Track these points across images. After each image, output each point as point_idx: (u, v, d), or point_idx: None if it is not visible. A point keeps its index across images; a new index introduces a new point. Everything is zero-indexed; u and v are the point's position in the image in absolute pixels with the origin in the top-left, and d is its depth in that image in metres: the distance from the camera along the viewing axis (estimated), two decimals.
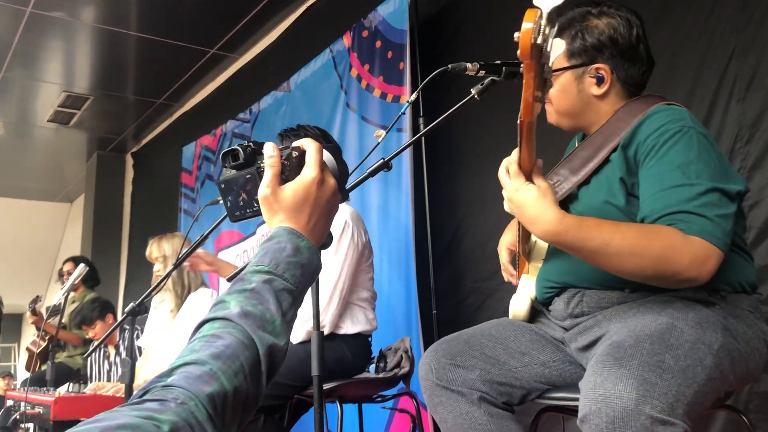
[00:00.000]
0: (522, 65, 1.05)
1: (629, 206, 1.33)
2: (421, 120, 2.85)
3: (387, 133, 1.39)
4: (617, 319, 1.32)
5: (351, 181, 1.60)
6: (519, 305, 1.52)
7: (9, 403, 3.31)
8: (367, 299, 2.35)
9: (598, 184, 1.40)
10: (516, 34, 0.97)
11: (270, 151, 0.90)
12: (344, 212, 2.31)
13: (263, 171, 0.91)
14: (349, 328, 2.27)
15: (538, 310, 1.53)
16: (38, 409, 2.75)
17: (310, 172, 0.89)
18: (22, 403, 2.94)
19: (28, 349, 5.11)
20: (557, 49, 1.41)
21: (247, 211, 0.98)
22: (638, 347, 1.11)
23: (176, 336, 3.06)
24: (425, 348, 2.70)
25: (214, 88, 5.14)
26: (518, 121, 1.14)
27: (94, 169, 6.84)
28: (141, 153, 6.49)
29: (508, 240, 1.65)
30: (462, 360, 1.41)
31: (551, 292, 1.46)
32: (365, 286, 2.36)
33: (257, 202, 0.93)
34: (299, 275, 0.84)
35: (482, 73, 1.33)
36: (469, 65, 1.31)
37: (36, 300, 4.50)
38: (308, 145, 0.91)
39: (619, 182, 1.34)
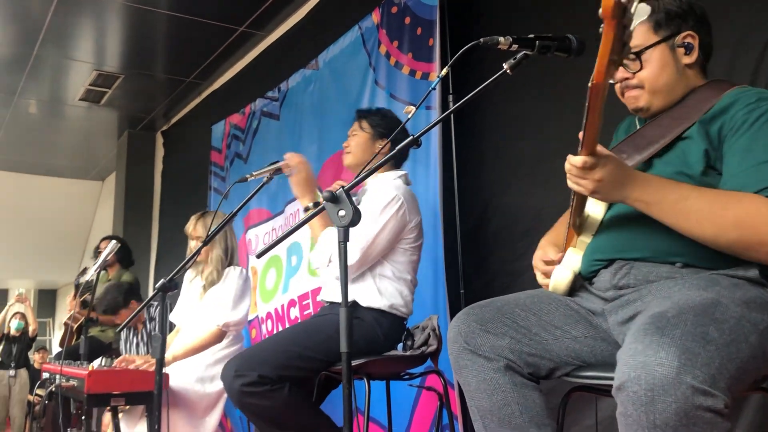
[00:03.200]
0: (602, 26, 0.99)
1: (706, 177, 1.31)
2: (450, 97, 2.83)
3: (417, 109, 1.38)
4: (661, 295, 1.30)
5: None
6: (561, 277, 1.49)
7: (45, 375, 3.39)
8: (407, 281, 2.36)
9: (670, 159, 1.38)
10: None
11: None
12: (399, 187, 2.33)
13: None
14: (377, 301, 2.27)
15: (577, 285, 1.51)
16: (73, 382, 2.81)
17: None
18: (57, 376, 3.01)
19: (65, 323, 5.23)
20: (641, 13, 1.39)
21: None
22: (681, 317, 1.08)
23: (203, 312, 3.11)
24: None
25: (243, 66, 5.15)
26: (589, 84, 1.08)
27: (125, 147, 6.92)
28: (171, 131, 6.54)
29: (540, 254, 1.60)
30: (492, 327, 1.40)
31: (599, 265, 1.44)
32: (406, 267, 2.36)
33: None
34: None
35: (515, 47, 1.31)
36: (501, 39, 1.29)
37: (83, 272, 4.59)
38: None
39: (703, 153, 1.32)
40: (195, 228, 3.21)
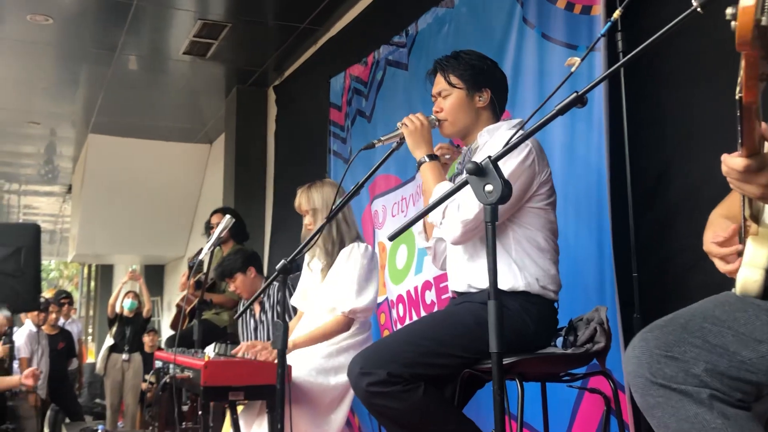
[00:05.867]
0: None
1: None
2: (619, 36, 2.71)
3: (581, 62, 1.34)
4: None
5: (534, 119, 1.57)
6: (749, 278, 1.42)
7: (158, 364, 3.66)
8: (548, 250, 2.32)
9: None
10: (729, 11, 0.89)
11: None
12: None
13: None
14: (518, 280, 2.25)
15: None
16: (188, 373, 3.02)
17: None
18: (171, 366, 3.24)
19: (178, 305, 5.61)
20: None
21: None
22: None
23: (325, 295, 3.22)
24: (623, 319, 2.64)
25: (365, 6, 5.19)
26: (737, 97, 1.06)
27: (234, 106, 7.23)
28: (284, 87, 6.74)
29: (710, 236, 1.52)
30: (680, 351, 1.35)
31: None
32: (544, 231, 2.32)
33: None
34: None
35: None
36: None
37: (199, 255, 4.89)
38: None
39: None
40: (300, 203, 3.32)
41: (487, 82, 2.45)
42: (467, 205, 2.18)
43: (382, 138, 2.52)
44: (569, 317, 2.34)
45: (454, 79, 2.43)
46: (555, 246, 2.36)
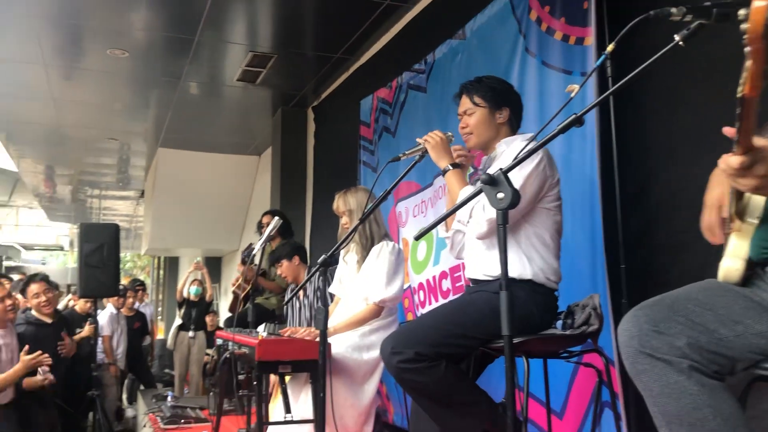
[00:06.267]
0: (747, 39, 0.95)
1: None
2: (608, 63, 2.69)
3: (581, 87, 1.34)
4: None
5: (540, 135, 1.57)
6: (731, 267, 1.40)
7: (218, 341, 3.69)
8: (553, 247, 2.31)
9: None
10: (742, 12, 0.88)
11: None
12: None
13: None
14: (526, 270, 2.24)
15: (752, 273, 1.41)
16: (244, 350, 3.04)
17: None
18: (230, 343, 3.27)
19: (234, 292, 5.66)
20: None
21: None
22: None
23: (359, 286, 3.24)
24: (613, 304, 2.62)
25: (389, 39, 5.19)
26: (739, 95, 1.03)
27: (279, 123, 7.25)
28: (321, 107, 6.76)
29: (716, 195, 1.52)
30: (666, 326, 1.33)
31: None
32: (550, 230, 2.30)
33: None
34: None
35: (689, 17, 1.23)
36: (674, 10, 1.22)
37: (250, 249, 4.94)
38: None
39: None
40: (338, 206, 3.34)
41: (506, 102, 2.44)
42: (491, 207, 2.19)
43: (406, 152, 2.53)
44: (567, 303, 2.32)
45: (477, 99, 2.42)
46: (558, 244, 2.35)
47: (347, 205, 3.30)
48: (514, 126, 2.47)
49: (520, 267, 2.25)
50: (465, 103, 2.46)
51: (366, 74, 5.58)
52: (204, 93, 7.04)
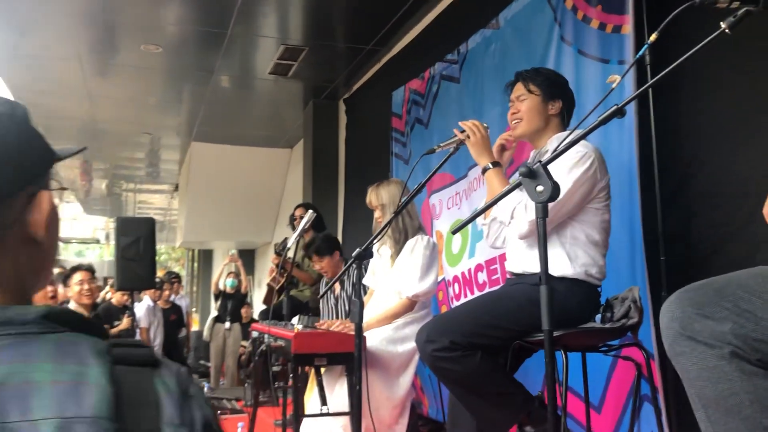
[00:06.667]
0: None
1: None
2: (646, 51, 2.63)
3: (622, 78, 1.31)
4: None
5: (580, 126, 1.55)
6: None
7: (254, 334, 3.73)
8: (599, 245, 2.28)
9: None
10: None
11: None
12: (587, 144, 2.24)
13: None
14: (568, 269, 2.22)
15: None
16: (280, 342, 3.07)
17: None
18: (266, 336, 3.30)
19: (268, 284, 5.71)
20: None
21: None
22: None
23: (393, 280, 3.24)
24: (653, 297, 2.58)
25: (421, 29, 5.16)
26: None
27: (310, 116, 7.28)
28: (352, 99, 6.76)
29: None
30: (711, 311, 1.31)
31: None
32: (598, 228, 2.27)
33: None
34: None
35: (735, 3, 1.20)
36: None
37: (284, 243, 4.98)
38: None
39: None
40: (371, 200, 3.33)
41: (560, 94, 2.41)
42: (533, 207, 2.17)
43: (441, 144, 2.50)
44: (606, 296, 2.29)
45: (532, 87, 2.40)
46: (606, 242, 2.32)
47: (380, 199, 3.30)
48: (564, 120, 2.43)
49: (562, 266, 2.23)
50: (519, 89, 2.44)
51: (398, 65, 5.56)
52: (236, 86, 7.09)
